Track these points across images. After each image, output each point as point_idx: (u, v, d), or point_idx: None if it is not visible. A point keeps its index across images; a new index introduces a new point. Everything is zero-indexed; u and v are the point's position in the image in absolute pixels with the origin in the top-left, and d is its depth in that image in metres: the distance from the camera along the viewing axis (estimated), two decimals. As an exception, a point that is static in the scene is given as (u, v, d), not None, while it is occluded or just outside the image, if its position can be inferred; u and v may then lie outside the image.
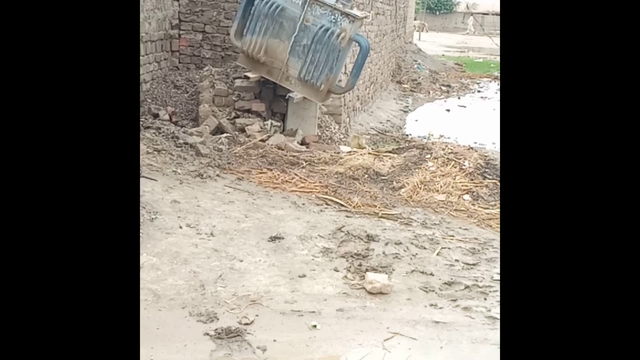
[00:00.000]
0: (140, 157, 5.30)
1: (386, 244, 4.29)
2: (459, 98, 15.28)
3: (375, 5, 10.79)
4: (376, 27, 11.41)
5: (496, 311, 3.49)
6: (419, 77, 16.65)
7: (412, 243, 4.37)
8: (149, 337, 2.99)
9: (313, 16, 6.51)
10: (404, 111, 12.72)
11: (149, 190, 4.76)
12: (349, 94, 8.55)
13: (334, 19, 6.47)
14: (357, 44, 6.77)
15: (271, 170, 5.71)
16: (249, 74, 6.88)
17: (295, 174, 5.65)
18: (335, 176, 5.74)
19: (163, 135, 6.11)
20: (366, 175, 5.83)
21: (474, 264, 4.12)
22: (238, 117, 6.95)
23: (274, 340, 3.07)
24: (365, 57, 6.58)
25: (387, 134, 9.65)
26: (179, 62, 8.25)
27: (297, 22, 6.53)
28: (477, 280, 3.88)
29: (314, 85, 6.58)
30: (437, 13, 51.83)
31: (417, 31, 28.37)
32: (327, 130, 7.47)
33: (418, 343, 3.17)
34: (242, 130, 6.73)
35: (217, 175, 5.43)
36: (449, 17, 51.16)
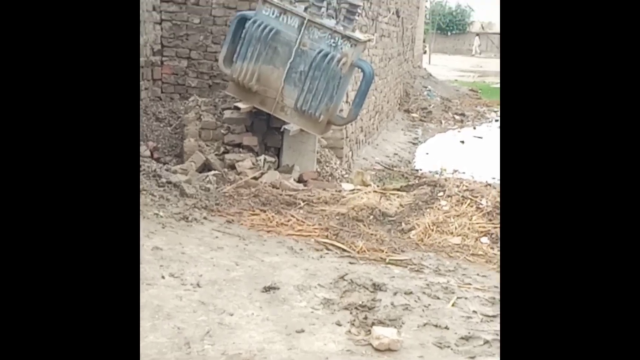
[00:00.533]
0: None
1: (395, 293, 4.29)
2: (474, 128, 15.41)
3: (380, 27, 10.97)
4: (381, 51, 11.57)
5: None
6: (430, 105, 16.81)
7: (423, 292, 4.37)
8: (127, 403, 2.96)
9: (311, 40, 6.62)
10: (413, 143, 12.80)
11: (127, 235, 4.77)
12: (352, 125, 8.63)
13: (333, 42, 6.58)
14: (359, 70, 6.86)
15: (265, 211, 5.73)
16: (239, 105, 6.96)
17: (292, 216, 5.67)
18: (337, 217, 5.76)
19: (144, 174, 6.14)
20: (371, 216, 5.85)
21: (494, 316, 4.11)
22: (227, 152, 7.02)
23: (269, 406, 3.05)
24: (369, 84, 6.67)
25: (395, 169, 9.70)
26: (162, 92, 8.35)
27: (293, 47, 6.65)
28: (498, 335, 3.86)
29: (312, 116, 6.66)
30: (449, 34, 52.51)
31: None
32: (327, 166, 7.51)
33: (432, 407, 3.15)
34: (232, 167, 6.79)
35: (204, 218, 5.45)
36: (462, 38, 51.82)
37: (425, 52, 33.39)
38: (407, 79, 17.51)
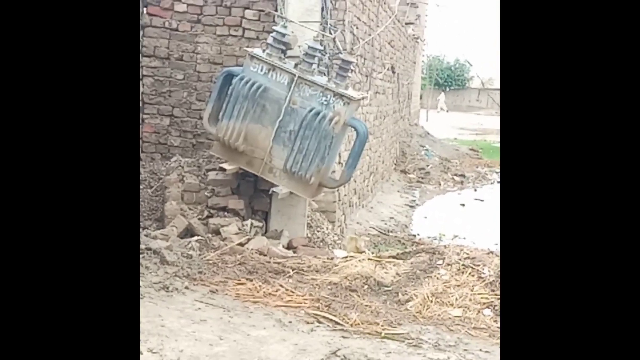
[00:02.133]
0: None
1: (391, 371, 4.26)
2: (475, 190, 15.51)
3: (374, 84, 11.15)
4: (375, 108, 11.73)
5: None
6: (428, 166, 16.94)
7: (423, 370, 4.33)
8: None
9: (301, 98, 6.73)
10: (410, 206, 12.84)
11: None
12: (345, 187, 8.66)
13: (325, 100, 6.68)
14: (353, 129, 6.94)
15: (251, 280, 5.72)
16: (225, 166, 7.02)
17: (281, 285, 5.66)
18: (329, 287, 5.75)
19: (121, 239, 6.15)
20: (366, 286, 5.85)
21: (498, 396, 4.08)
22: (212, 216, 7.04)
23: None
24: (363, 144, 6.75)
25: (391, 234, 9.72)
26: (142, 152, 8.41)
27: (282, 105, 6.75)
28: (503, 416, 3.83)
29: (303, 178, 6.72)
30: (448, 89, 53.35)
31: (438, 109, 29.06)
32: (318, 231, 7.53)
33: None
34: (217, 233, 6.80)
35: (186, 288, 5.43)
36: (462, 94, 52.60)
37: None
38: (403, 137, 17.67)
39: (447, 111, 42.79)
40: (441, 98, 44.23)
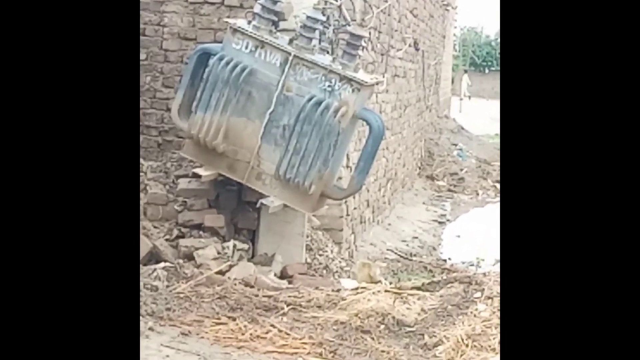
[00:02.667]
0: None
1: None
2: (524, 201, 15.47)
3: (392, 64, 11.17)
4: (394, 96, 11.74)
5: None
6: (462, 170, 16.93)
7: None
8: None
9: (298, 83, 6.75)
10: (439, 222, 12.83)
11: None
12: (354, 198, 8.67)
13: (329, 86, 6.70)
14: (364, 123, 6.95)
15: (234, 319, 5.71)
16: (200, 171, 7.01)
17: (272, 325, 5.66)
18: (335, 328, 5.74)
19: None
20: (382, 326, 5.84)
21: None
22: (183, 236, 7.05)
23: None
24: (377, 142, 6.77)
25: (414, 259, 9.70)
26: (93, 153, 8.43)
27: (273, 92, 6.77)
28: None
29: (300, 187, 6.72)
30: (487, 71, 53.37)
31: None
32: (320, 255, 7.54)
33: None
34: (190, 258, 6.80)
35: (150, 330, 5.43)
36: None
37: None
38: (429, 133, 17.66)
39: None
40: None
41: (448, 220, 13.18)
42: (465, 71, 46.30)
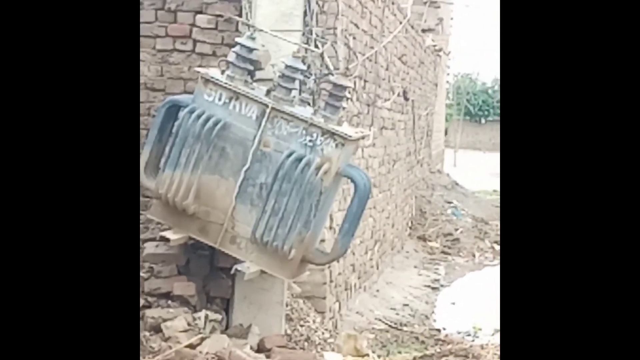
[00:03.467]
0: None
1: None
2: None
3: (380, 115, 11.18)
4: (381, 150, 11.75)
5: None
6: (457, 230, 16.95)
7: None
8: None
9: (276, 137, 6.71)
10: (433, 288, 12.84)
11: None
12: (339, 262, 8.62)
13: (310, 141, 6.67)
14: (349, 181, 6.89)
15: (206, 400, 5.63)
16: (168, 234, 6.95)
17: (248, 407, 5.55)
18: (317, 409, 5.65)
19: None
20: (370, 407, 5.75)
21: None
22: (150, 306, 6.97)
23: None
24: (363, 201, 6.73)
25: (405, 329, 9.66)
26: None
27: (249, 148, 6.73)
28: None
29: (279, 251, 6.66)
30: (483, 121, 53.80)
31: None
32: (301, 326, 7.49)
33: None
34: (157, 330, 6.73)
35: (111, 413, 5.30)
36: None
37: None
38: (421, 190, 17.72)
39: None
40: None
41: (442, 285, 13.20)
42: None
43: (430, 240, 15.95)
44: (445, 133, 30.74)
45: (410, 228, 15.79)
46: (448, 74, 28.93)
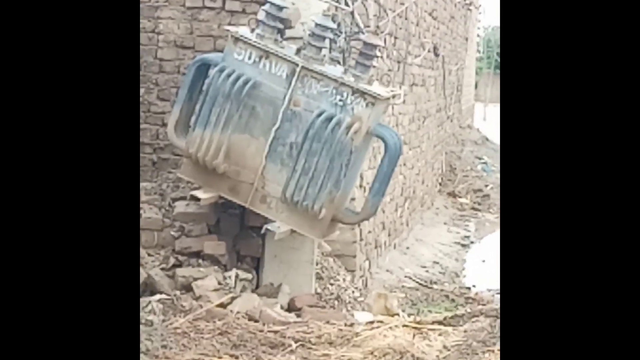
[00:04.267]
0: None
1: None
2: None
3: (410, 72, 11.17)
4: (412, 107, 11.75)
5: None
6: (487, 186, 16.86)
7: None
8: None
9: (306, 96, 6.79)
10: (463, 245, 12.79)
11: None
12: (369, 221, 8.63)
13: (340, 100, 6.73)
14: (379, 140, 7.00)
15: (237, 357, 5.70)
16: (198, 193, 7.03)
17: (279, 365, 5.67)
18: (348, 367, 5.76)
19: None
20: (400, 365, 5.85)
21: None
22: (180, 265, 7.08)
23: None
24: (394, 160, 6.83)
25: (435, 287, 9.71)
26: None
27: (279, 107, 6.81)
28: None
29: (309, 211, 6.75)
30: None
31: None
32: (331, 285, 7.57)
33: None
34: (188, 289, 6.82)
35: (145, 369, 5.45)
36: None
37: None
38: (451, 145, 17.59)
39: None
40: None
41: (472, 242, 13.15)
42: None
43: (460, 197, 15.85)
44: (476, 87, 30.46)
45: (440, 184, 15.69)
46: (479, 28, 28.60)
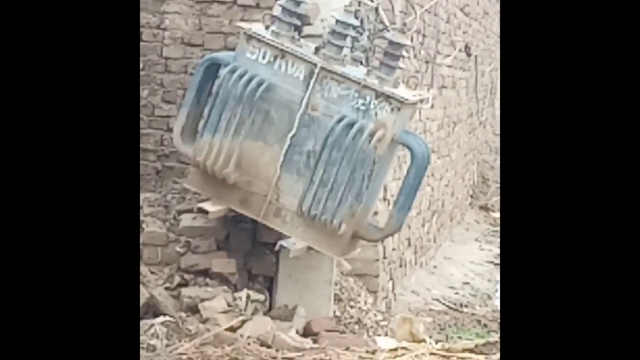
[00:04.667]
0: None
1: None
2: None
3: (439, 73, 11.15)
4: (440, 112, 11.73)
5: None
6: (522, 198, 16.81)
7: None
8: None
9: (326, 100, 6.75)
10: (496, 264, 12.77)
11: None
12: (394, 237, 8.63)
13: (363, 104, 6.69)
14: (405, 149, 6.93)
15: (247, 387, 5.72)
16: (207, 206, 7.01)
17: (294, 397, 5.64)
18: (369, 399, 5.72)
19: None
20: (428, 398, 5.81)
21: None
22: (186, 284, 7.08)
23: None
24: (421, 173, 6.77)
25: (465, 310, 9.66)
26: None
27: (296, 111, 6.77)
28: None
29: (328, 226, 6.71)
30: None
31: None
32: (352, 307, 7.54)
33: None
34: (194, 311, 6.82)
35: (146, 401, 5.42)
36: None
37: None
38: (484, 154, 17.61)
39: None
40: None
41: (506, 261, 13.11)
42: None
43: (493, 211, 15.87)
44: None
45: (472, 197, 15.74)
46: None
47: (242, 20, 7.68)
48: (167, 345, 6.17)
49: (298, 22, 6.86)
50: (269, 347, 6.35)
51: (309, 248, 6.94)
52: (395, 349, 6.61)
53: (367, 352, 6.46)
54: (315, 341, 6.76)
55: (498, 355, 6.47)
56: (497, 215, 15.63)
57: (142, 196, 7.60)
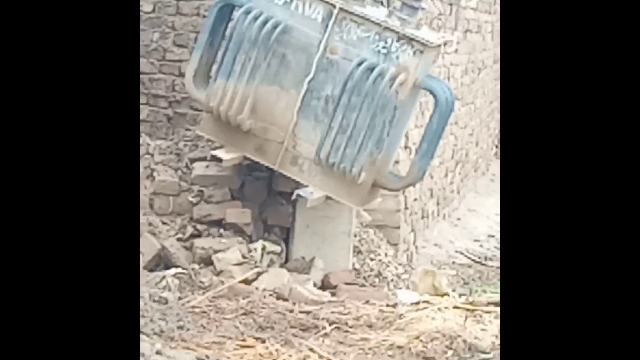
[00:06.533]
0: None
1: None
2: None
3: (464, 16, 11.08)
4: (465, 57, 11.67)
5: None
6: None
7: None
8: None
9: (345, 43, 6.75)
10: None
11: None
12: (415, 187, 8.64)
13: (384, 47, 6.69)
14: (428, 94, 6.96)
15: (264, 341, 5.72)
16: (221, 154, 7.03)
17: (311, 350, 5.66)
18: (390, 353, 5.74)
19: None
20: (450, 351, 5.83)
21: None
22: (199, 235, 7.11)
23: None
24: (445, 119, 6.79)
25: (490, 263, 9.67)
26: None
27: (313, 55, 6.78)
28: None
29: (347, 174, 6.73)
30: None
31: None
32: (371, 260, 7.55)
33: None
34: (208, 262, 6.85)
35: (158, 354, 5.45)
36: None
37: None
38: (510, 102, 17.52)
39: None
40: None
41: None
42: None
43: (519, 161, 15.79)
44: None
45: (497, 147, 15.62)
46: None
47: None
48: (180, 298, 6.17)
49: (315, -40, 6.82)
50: (285, 300, 6.39)
51: (327, 198, 6.97)
52: (417, 303, 6.59)
53: (387, 305, 6.47)
54: (333, 294, 6.79)
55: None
56: (524, 166, 15.59)
57: (152, 144, 7.62)
